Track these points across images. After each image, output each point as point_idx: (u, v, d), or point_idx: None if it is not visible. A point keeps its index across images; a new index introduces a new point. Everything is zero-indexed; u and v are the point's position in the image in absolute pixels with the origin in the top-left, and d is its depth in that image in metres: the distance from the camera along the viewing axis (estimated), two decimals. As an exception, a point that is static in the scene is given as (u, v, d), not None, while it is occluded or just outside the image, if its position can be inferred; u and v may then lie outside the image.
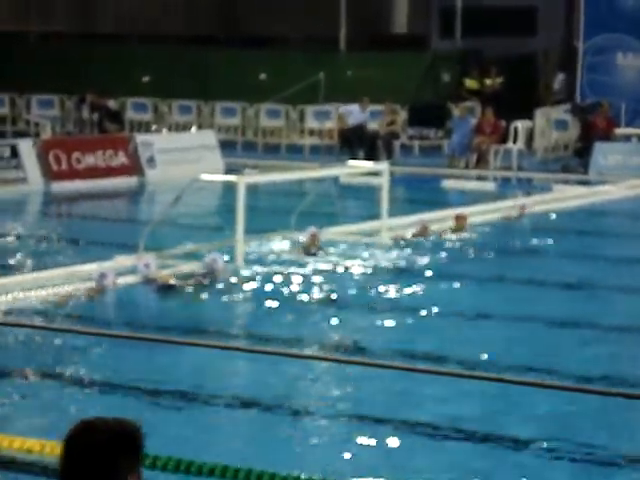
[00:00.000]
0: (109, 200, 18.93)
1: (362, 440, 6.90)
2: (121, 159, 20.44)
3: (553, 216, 16.71)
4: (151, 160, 20.82)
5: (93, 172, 19.92)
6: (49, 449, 6.57)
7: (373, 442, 6.88)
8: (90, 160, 20.01)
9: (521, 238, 14.75)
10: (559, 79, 26.94)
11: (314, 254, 12.81)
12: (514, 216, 16.17)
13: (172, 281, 11.17)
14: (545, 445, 6.79)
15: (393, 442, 6.89)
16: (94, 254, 12.43)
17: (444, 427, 7.12)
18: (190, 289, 11.04)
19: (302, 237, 13.21)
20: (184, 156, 21.09)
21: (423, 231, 14.28)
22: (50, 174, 19.41)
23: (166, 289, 10.96)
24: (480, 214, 16.19)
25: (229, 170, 19.29)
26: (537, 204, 17.34)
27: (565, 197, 18.72)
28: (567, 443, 6.85)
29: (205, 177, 13.95)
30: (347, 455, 6.69)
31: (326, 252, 13.03)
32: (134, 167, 20.60)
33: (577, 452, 6.73)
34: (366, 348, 9.03)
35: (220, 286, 11.17)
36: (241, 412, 7.55)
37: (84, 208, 18.04)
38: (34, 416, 7.40)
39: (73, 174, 19.68)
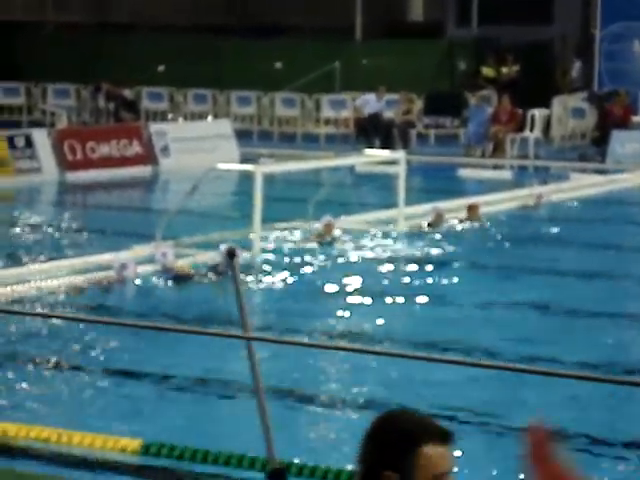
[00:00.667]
0: (123, 189, 18.90)
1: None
2: (135, 148, 20.41)
3: (570, 205, 16.61)
4: (165, 149, 20.79)
5: (107, 162, 19.90)
6: (66, 438, 6.54)
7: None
8: (104, 150, 19.99)
9: (538, 227, 14.69)
10: (576, 67, 26.81)
11: (330, 243, 12.76)
12: (531, 205, 16.10)
13: (189, 271, 11.15)
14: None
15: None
16: (110, 243, 12.40)
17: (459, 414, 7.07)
18: (207, 279, 11.00)
19: (318, 226, 13.17)
20: (199, 145, 21.04)
21: (438, 220, 14.22)
22: (65, 164, 19.40)
23: (183, 279, 10.94)
24: (497, 203, 16.11)
25: (245, 159, 19.23)
26: (554, 193, 17.25)
27: (582, 186, 18.60)
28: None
29: (222, 166, 13.89)
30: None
31: (342, 241, 12.98)
32: (148, 156, 20.56)
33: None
34: (385, 337, 8.98)
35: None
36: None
37: (99, 198, 18.02)
38: (49, 404, 7.37)
39: (88, 164, 19.66)
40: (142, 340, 8.72)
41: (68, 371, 8.14)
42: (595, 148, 22.41)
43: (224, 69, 27.09)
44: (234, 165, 14.87)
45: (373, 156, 15.97)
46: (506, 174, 20.68)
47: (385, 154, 16.22)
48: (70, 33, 29.57)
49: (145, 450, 6.28)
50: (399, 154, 14.42)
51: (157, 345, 8.66)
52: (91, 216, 15.95)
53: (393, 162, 14.75)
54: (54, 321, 9.23)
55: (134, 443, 6.34)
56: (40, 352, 8.47)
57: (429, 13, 30.76)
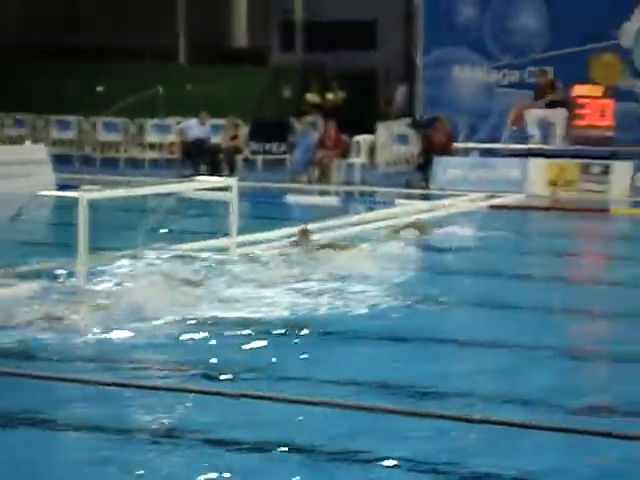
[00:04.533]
0: None
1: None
2: None
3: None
4: (-29, 175, 20.10)
5: None
6: None
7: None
8: None
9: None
10: (400, 93, 27.17)
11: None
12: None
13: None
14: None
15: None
16: None
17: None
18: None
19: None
20: (12, 171, 20.51)
21: (270, 247, 14.07)
22: None
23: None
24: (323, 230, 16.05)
25: (62, 186, 18.67)
26: (381, 219, 17.32)
27: (407, 212, 18.77)
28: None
29: (44, 193, 13.33)
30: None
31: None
32: (-51, 182, 19.76)
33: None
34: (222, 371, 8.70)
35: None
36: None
37: None
38: None
39: None
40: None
41: None
42: (420, 174, 22.69)
43: (42, 92, 26.42)
44: (57, 192, 14.31)
45: (205, 182, 15.66)
46: (333, 200, 20.72)
47: (217, 180, 15.93)
48: None
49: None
50: (231, 180, 14.15)
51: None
52: None
53: (225, 188, 14.49)
54: None
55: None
56: None
57: (253, 39, 30.75)
